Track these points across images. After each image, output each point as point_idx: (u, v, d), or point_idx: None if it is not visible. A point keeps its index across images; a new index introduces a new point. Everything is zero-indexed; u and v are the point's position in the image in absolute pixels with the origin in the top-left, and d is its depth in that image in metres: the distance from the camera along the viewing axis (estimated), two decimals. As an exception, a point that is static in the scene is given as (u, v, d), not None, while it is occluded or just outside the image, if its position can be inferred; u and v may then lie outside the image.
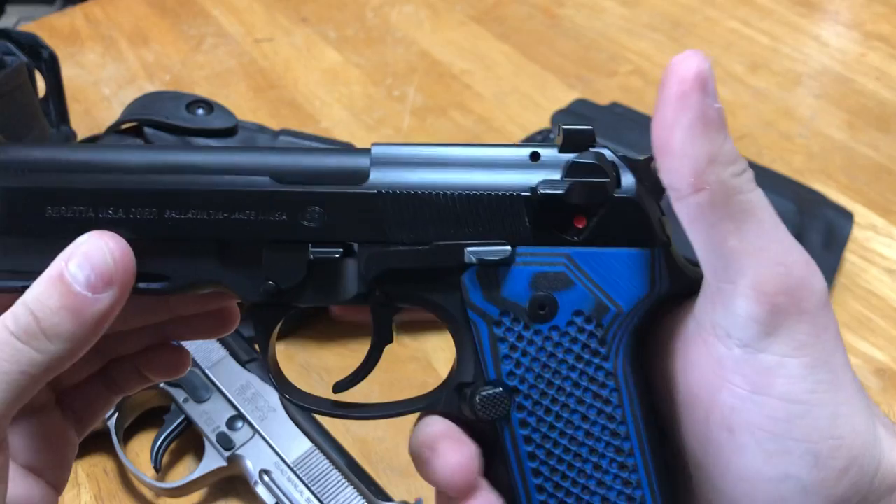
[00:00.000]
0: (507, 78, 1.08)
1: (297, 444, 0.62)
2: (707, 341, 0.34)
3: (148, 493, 0.66)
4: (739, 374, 0.33)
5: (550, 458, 0.37)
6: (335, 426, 0.68)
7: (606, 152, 0.37)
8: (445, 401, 0.39)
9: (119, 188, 0.37)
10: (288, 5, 1.24)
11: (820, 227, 0.80)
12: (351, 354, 0.74)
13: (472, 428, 0.39)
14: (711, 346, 0.34)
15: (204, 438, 0.64)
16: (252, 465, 0.62)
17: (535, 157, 0.37)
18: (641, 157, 0.38)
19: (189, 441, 0.67)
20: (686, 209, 0.33)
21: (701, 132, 0.32)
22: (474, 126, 0.98)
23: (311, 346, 0.75)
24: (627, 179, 0.37)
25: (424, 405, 0.40)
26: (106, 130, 0.82)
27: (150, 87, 1.08)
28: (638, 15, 1.18)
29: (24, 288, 0.35)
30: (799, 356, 0.32)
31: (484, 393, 0.37)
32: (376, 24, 1.19)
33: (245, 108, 1.04)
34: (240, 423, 0.64)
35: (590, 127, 0.38)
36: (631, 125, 0.89)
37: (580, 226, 0.37)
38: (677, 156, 0.32)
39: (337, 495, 0.60)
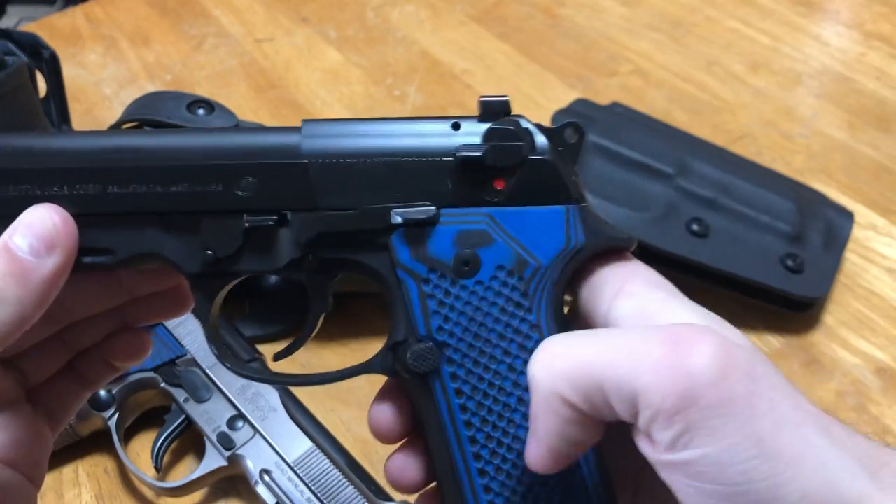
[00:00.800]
0: (507, 78, 1.08)
1: (297, 444, 0.62)
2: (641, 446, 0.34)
3: (149, 493, 0.66)
4: (668, 470, 0.32)
5: (481, 410, 0.39)
6: (336, 426, 0.68)
7: (521, 120, 0.40)
8: (380, 362, 0.41)
9: (63, 166, 0.39)
10: (288, 5, 1.24)
11: (820, 227, 0.80)
12: (351, 354, 0.75)
13: (407, 389, 0.41)
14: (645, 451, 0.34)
15: (204, 438, 0.64)
16: (253, 465, 0.62)
17: (456, 126, 0.40)
18: (556, 126, 0.40)
19: (190, 441, 0.67)
20: None
21: None
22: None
23: (311, 345, 0.75)
24: (541, 142, 0.40)
25: (362, 368, 0.41)
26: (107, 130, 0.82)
27: (151, 87, 1.08)
28: (638, 15, 1.18)
29: None
30: (715, 444, 0.31)
31: (414, 348, 0.39)
32: (377, 24, 1.19)
33: (246, 107, 1.04)
34: (240, 423, 0.64)
35: (506, 97, 0.41)
36: (631, 125, 0.89)
37: (499, 187, 0.39)
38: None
39: (337, 495, 0.60)
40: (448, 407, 0.39)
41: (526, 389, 0.38)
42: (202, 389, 0.66)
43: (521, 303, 0.39)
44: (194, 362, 0.67)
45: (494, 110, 0.40)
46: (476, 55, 1.12)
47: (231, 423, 0.64)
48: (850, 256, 0.82)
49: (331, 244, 0.40)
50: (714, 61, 1.09)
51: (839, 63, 1.08)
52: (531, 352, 0.37)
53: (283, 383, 0.44)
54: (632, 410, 0.32)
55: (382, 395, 0.42)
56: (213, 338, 0.42)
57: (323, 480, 0.60)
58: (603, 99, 0.97)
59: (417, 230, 0.39)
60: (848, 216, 0.83)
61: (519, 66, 1.10)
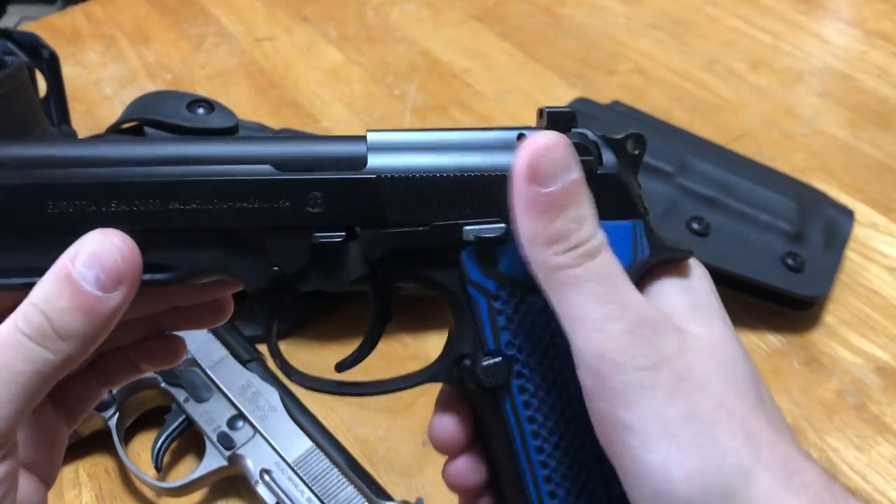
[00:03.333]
0: (507, 76, 1.08)
1: (297, 444, 0.62)
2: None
3: (149, 493, 0.66)
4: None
5: (548, 420, 0.39)
6: (336, 426, 0.68)
7: (588, 132, 0.40)
8: (446, 372, 0.40)
9: (121, 181, 0.37)
10: (289, 4, 1.24)
11: (821, 226, 0.80)
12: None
13: (468, 399, 0.41)
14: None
15: (205, 438, 0.64)
16: (253, 465, 0.62)
17: (521, 138, 0.39)
18: (618, 137, 0.40)
19: (190, 441, 0.67)
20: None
21: (525, 215, 0.35)
22: (475, 125, 0.98)
23: (313, 345, 0.75)
24: (609, 157, 0.39)
25: (426, 377, 0.41)
26: (107, 130, 0.82)
27: (151, 87, 1.08)
28: (639, 13, 1.18)
29: (26, 286, 0.35)
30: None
31: (486, 363, 0.39)
32: (377, 23, 1.19)
33: (246, 107, 1.04)
34: (240, 423, 0.64)
35: (571, 109, 0.40)
36: (632, 124, 0.89)
37: None
38: (517, 232, 0.36)
39: (338, 494, 0.60)
40: (516, 418, 0.39)
41: None
42: (202, 389, 0.66)
43: None
44: (194, 362, 0.67)
45: (560, 121, 0.39)
46: (476, 54, 1.12)
47: (231, 422, 0.64)
48: (851, 255, 0.82)
49: (400, 261, 0.39)
50: (715, 60, 1.09)
51: (840, 61, 1.08)
52: None
53: (351, 394, 0.44)
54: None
55: (443, 407, 0.42)
56: (280, 356, 0.42)
57: (323, 480, 0.60)
58: (603, 97, 0.97)
59: (488, 247, 0.39)
60: (848, 215, 0.83)
61: (519, 64, 1.10)
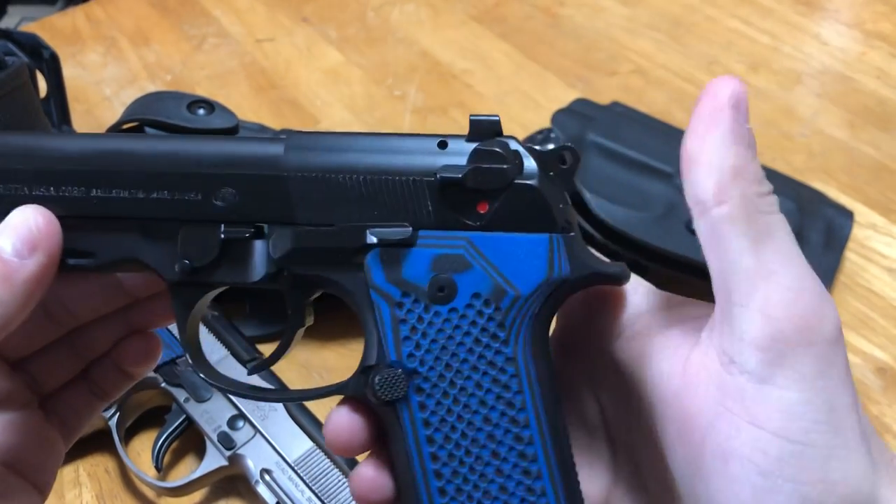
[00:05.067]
0: (507, 77, 1.08)
1: (298, 444, 0.62)
2: (709, 366, 0.34)
3: (149, 493, 0.66)
4: (739, 403, 0.32)
5: (448, 443, 0.37)
6: (336, 425, 0.68)
7: (511, 141, 0.38)
8: (353, 385, 0.40)
9: (50, 168, 0.39)
10: (289, 5, 1.24)
11: (820, 226, 0.80)
12: (351, 354, 0.75)
13: (377, 414, 0.40)
14: (714, 371, 0.34)
15: (205, 438, 0.64)
16: (253, 465, 0.62)
17: (443, 145, 0.38)
18: (549, 149, 0.38)
19: (190, 440, 0.67)
20: (706, 224, 0.33)
21: (730, 145, 0.32)
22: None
23: (311, 345, 0.75)
24: (530, 166, 0.38)
25: (335, 390, 0.41)
26: (107, 130, 0.82)
27: (152, 87, 1.08)
28: (638, 14, 1.18)
29: None
30: (799, 391, 0.31)
31: (383, 374, 0.38)
32: (377, 24, 1.19)
33: (246, 107, 1.04)
34: (241, 423, 0.64)
35: (496, 117, 0.39)
36: (631, 124, 0.89)
37: (482, 211, 0.38)
38: (704, 166, 0.33)
39: (338, 494, 0.60)
40: (415, 437, 0.38)
41: (496, 426, 0.37)
42: (203, 389, 0.66)
43: (496, 334, 0.37)
44: (195, 362, 0.67)
45: (483, 130, 0.38)
46: (476, 55, 1.12)
47: (232, 422, 0.64)
48: (850, 256, 0.82)
49: (304, 260, 0.39)
50: (714, 61, 1.09)
51: (839, 62, 1.08)
52: (504, 386, 0.37)
53: (261, 399, 0.44)
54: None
55: (344, 402, 0.41)
56: (187, 345, 0.42)
57: (323, 480, 0.60)
58: (603, 98, 0.97)
59: (393, 251, 0.38)
60: (848, 215, 0.83)
61: (519, 65, 1.10)
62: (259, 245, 0.39)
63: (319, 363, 0.74)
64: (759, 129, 0.97)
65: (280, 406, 0.64)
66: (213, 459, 0.63)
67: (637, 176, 0.79)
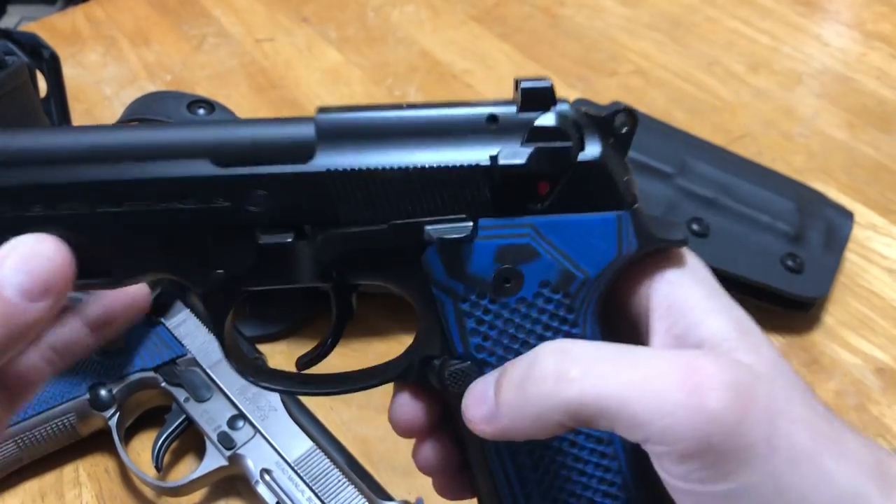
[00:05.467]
0: (508, 77, 1.07)
1: (298, 444, 0.62)
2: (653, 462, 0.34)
3: (149, 493, 0.66)
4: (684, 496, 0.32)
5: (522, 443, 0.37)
6: (336, 426, 0.68)
7: (568, 110, 0.36)
8: (412, 371, 0.38)
9: (43, 182, 0.33)
10: (289, 5, 1.24)
11: (820, 227, 0.80)
12: (353, 354, 0.75)
13: (439, 396, 0.39)
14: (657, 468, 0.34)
15: (205, 438, 0.64)
16: (253, 465, 0.62)
17: (492, 119, 0.35)
18: (605, 114, 0.36)
19: (190, 440, 0.67)
20: None
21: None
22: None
23: (312, 345, 0.75)
24: (592, 141, 0.35)
25: (395, 375, 0.39)
26: (107, 130, 0.82)
27: (152, 87, 1.08)
28: (639, 15, 1.18)
29: None
30: (727, 484, 0.31)
31: (453, 368, 0.36)
32: (377, 24, 1.19)
33: (246, 107, 1.04)
34: (241, 423, 0.64)
35: (548, 82, 0.36)
36: (631, 125, 0.89)
37: (543, 193, 0.35)
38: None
39: (338, 494, 0.60)
40: None
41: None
42: (203, 389, 0.66)
43: (566, 318, 0.36)
44: (195, 362, 0.67)
45: (537, 99, 0.35)
46: (476, 55, 1.12)
47: (232, 422, 0.64)
48: (850, 256, 0.82)
49: (356, 262, 0.36)
50: (714, 61, 1.09)
51: (839, 63, 1.08)
52: None
53: (316, 394, 0.41)
54: (640, 440, 0.32)
55: (403, 387, 0.40)
56: (235, 357, 0.39)
57: (323, 480, 0.60)
58: (603, 99, 0.97)
59: (453, 246, 0.35)
60: (848, 216, 0.83)
61: (519, 65, 1.10)
62: (301, 247, 0.35)
63: (320, 363, 0.74)
64: (759, 129, 0.98)
65: (280, 406, 0.64)
66: (213, 459, 0.63)
67: (637, 176, 0.79)
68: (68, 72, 0.95)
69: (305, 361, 0.41)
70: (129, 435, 0.69)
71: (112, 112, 1.03)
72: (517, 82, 0.36)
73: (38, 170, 0.33)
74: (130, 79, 1.11)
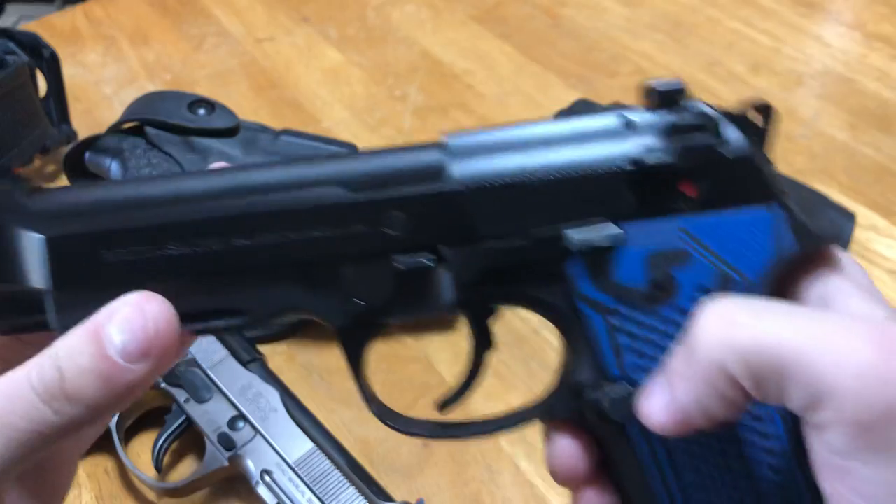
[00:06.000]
0: (508, 78, 1.08)
1: (298, 445, 0.62)
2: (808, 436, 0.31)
3: (149, 494, 0.66)
4: (835, 475, 0.29)
5: (689, 455, 0.34)
6: (337, 427, 0.68)
7: (703, 106, 0.34)
8: (562, 406, 0.36)
9: (178, 220, 0.33)
10: (289, 5, 1.24)
11: (821, 227, 0.79)
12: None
13: (587, 426, 0.36)
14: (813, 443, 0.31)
15: (205, 439, 0.64)
16: (253, 466, 0.62)
17: (627, 123, 0.34)
18: (739, 110, 0.34)
19: (190, 441, 0.67)
20: None
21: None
22: (476, 126, 0.98)
23: (312, 346, 0.75)
24: (734, 134, 0.34)
25: (540, 413, 0.36)
26: (107, 130, 0.82)
27: (151, 87, 1.08)
28: (640, 15, 1.18)
29: None
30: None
31: (613, 395, 0.33)
32: (378, 24, 1.19)
33: (246, 107, 1.04)
34: (241, 424, 0.64)
35: (679, 82, 0.34)
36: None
37: (689, 192, 0.33)
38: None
39: (338, 495, 0.60)
40: (653, 454, 0.34)
41: (739, 426, 0.33)
42: (203, 390, 0.65)
43: None
44: (195, 362, 0.66)
45: (671, 99, 0.34)
46: (477, 55, 1.12)
47: (232, 423, 0.64)
48: (852, 257, 0.82)
49: (497, 280, 0.34)
50: (715, 62, 1.09)
51: (841, 64, 1.08)
52: None
53: (454, 438, 0.38)
54: (809, 405, 0.28)
55: (557, 431, 0.37)
56: (373, 399, 0.37)
57: (324, 481, 0.60)
58: (604, 99, 0.97)
59: (599, 255, 0.33)
60: (849, 217, 0.83)
61: (520, 66, 1.10)
62: (440, 271, 0.34)
63: (320, 364, 0.74)
64: (760, 130, 0.97)
65: (280, 407, 0.64)
66: (213, 460, 0.63)
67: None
68: (68, 71, 0.95)
69: (445, 403, 0.38)
70: (128, 435, 0.69)
71: (112, 111, 1.03)
72: (649, 86, 0.35)
73: (173, 208, 0.33)
74: (130, 78, 1.11)
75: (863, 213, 0.86)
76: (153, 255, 0.33)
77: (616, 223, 0.33)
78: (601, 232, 0.33)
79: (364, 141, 0.97)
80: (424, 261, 0.34)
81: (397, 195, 0.33)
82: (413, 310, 0.35)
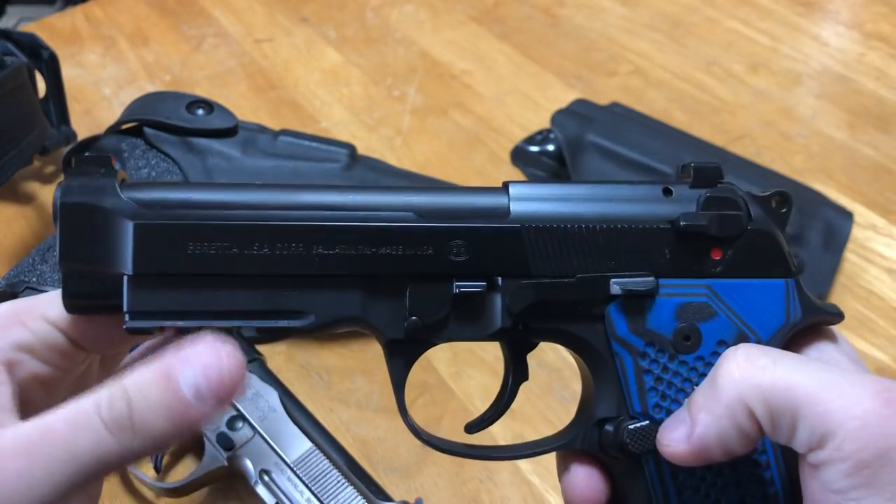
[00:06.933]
0: (507, 78, 1.08)
1: (297, 444, 0.62)
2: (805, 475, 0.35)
3: (148, 493, 0.66)
4: None
5: (697, 492, 0.38)
6: (335, 427, 0.68)
7: (734, 186, 0.39)
8: (584, 437, 0.39)
9: (266, 224, 0.36)
10: (288, 5, 1.24)
11: (820, 227, 0.80)
12: (351, 355, 0.75)
13: (604, 462, 0.40)
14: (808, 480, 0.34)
15: (204, 438, 0.64)
16: (252, 465, 0.62)
17: (667, 192, 0.39)
18: (764, 194, 0.39)
19: (189, 441, 0.67)
20: None
21: None
22: (474, 126, 0.98)
23: (311, 346, 0.75)
24: (757, 212, 0.39)
25: (562, 443, 0.40)
26: (106, 131, 0.82)
27: (151, 88, 1.08)
28: (638, 15, 1.18)
29: (167, 329, 0.36)
30: None
31: (632, 426, 0.37)
32: (376, 25, 1.19)
33: (245, 108, 1.04)
34: (240, 424, 0.64)
35: (718, 164, 0.39)
36: (631, 125, 0.89)
37: (717, 257, 0.38)
38: None
39: (337, 495, 0.60)
40: (663, 489, 0.38)
41: (740, 470, 0.37)
42: (202, 390, 0.65)
43: None
44: (194, 362, 0.67)
45: (707, 176, 0.39)
46: (476, 55, 1.12)
47: (231, 423, 0.64)
48: (850, 256, 0.82)
49: (542, 314, 0.38)
50: (713, 61, 1.09)
51: (839, 63, 1.08)
52: None
53: (480, 458, 0.42)
54: (813, 444, 0.32)
55: (573, 460, 0.40)
56: (404, 408, 0.40)
57: (322, 480, 0.60)
58: (602, 99, 0.97)
59: (636, 301, 0.38)
60: (847, 216, 0.83)
61: (518, 66, 1.10)
62: (492, 298, 0.38)
63: (319, 364, 0.74)
64: (758, 129, 0.98)
65: (279, 407, 0.64)
66: (212, 460, 0.63)
67: (636, 176, 0.79)
68: (67, 72, 0.95)
69: (474, 425, 0.42)
70: (128, 435, 0.69)
71: (111, 112, 1.03)
72: (688, 164, 0.39)
73: (263, 212, 0.37)
74: (130, 79, 1.11)
75: (861, 212, 0.86)
76: (237, 252, 0.36)
77: (654, 275, 0.38)
78: (640, 279, 0.38)
79: (363, 141, 0.97)
80: (478, 287, 0.37)
81: (463, 227, 0.37)
82: (462, 332, 0.38)
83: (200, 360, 0.33)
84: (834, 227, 0.81)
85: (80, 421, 0.32)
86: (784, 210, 0.39)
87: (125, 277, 0.36)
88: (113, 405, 0.32)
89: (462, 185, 0.85)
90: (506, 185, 0.39)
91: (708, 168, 0.39)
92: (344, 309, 0.37)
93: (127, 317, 0.36)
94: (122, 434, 0.32)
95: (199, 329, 0.36)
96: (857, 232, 0.84)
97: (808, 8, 1.18)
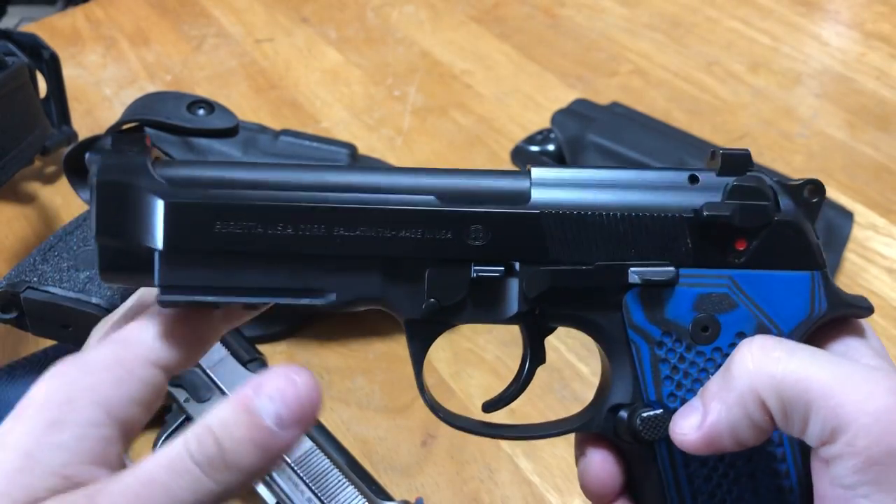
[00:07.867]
0: (507, 78, 1.08)
1: (297, 444, 0.62)
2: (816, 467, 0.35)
3: (149, 493, 0.66)
4: None
5: (709, 482, 0.38)
6: (336, 426, 0.68)
7: (765, 176, 0.38)
8: (598, 421, 0.39)
9: (289, 205, 0.37)
10: (288, 5, 1.24)
11: (820, 227, 0.79)
12: (351, 354, 0.75)
13: (620, 448, 0.40)
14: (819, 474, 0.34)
15: (205, 438, 0.64)
16: (253, 465, 0.62)
17: (693, 179, 0.38)
18: (795, 182, 0.38)
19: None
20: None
21: None
22: (475, 126, 0.99)
23: (311, 345, 0.75)
24: (786, 202, 0.38)
25: (578, 426, 0.40)
26: (107, 131, 0.82)
27: (151, 88, 1.08)
28: (638, 15, 1.18)
29: (195, 303, 0.36)
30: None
31: (645, 414, 0.37)
32: (377, 25, 1.19)
33: (246, 108, 1.04)
34: (241, 423, 0.64)
35: (746, 150, 0.39)
36: (631, 125, 0.89)
37: (741, 248, 0.37)
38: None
39: (337, 494, 0.60)
40: (674, 476, 0.38)
41: (755, 461, 0.37)
42: (203, 389, 0.66)
43: None
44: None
45: (735, 164, 0.38)
46: (476, 55, 1.12)
47: (231, 422, 0.64)
48: (850, 256, 0.82)
49: (559, 300, 0.38)
50: (714, 61, 1.09)
51: (839, 63, 1.08)
52: None
53: (496, 437, 0.42)
54: (824, 438, 0.32)
55: (590, 446, 0.40)
56: (426, 389, 0.41)
57: (323, 480, 0.60)
58: (603, 99, 0.97)
59: (655, 291, 0.37)
60: (848, 216, 0.83)
61: (519, 66, 1.10)
62: (510, 283, 0.38)
63: (319, 363, 0.74)
64: (758, 129, 0.98)
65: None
66: (213, 459, 0.63)
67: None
68: (68, 72, 0.95)
69: (491, 405, 0.42)
70: (128, 435, 0.69)
71: (112, 112, 1.03)
72: (716, 150, 0.38)
73: (288, 193, 0.37)
74: (130, 79, 1.11)
75: (861, 212, 0.86)
76: (261, 231, 0.37)
77: (674, 265, 0.37)
78: (659, 269, 0.37)
79: (363, 141, 0.97)
80: (496, 272, 0.37)
81: (483, 212, 0.37)
82: (480, 315, 0.39)
83: (277, 389, 0.34)
84: (834, 226, 0.81)
85: (177, 466, 0.33)
86: (816, 200, 0.38)
87: (156, 253, 0.36)
88: (203, 447, 0.33)
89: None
90: (528, 170, 0.39)
91: (737, 155, 0.38)
92: (364, 289, 0.38)
93: (159, 290, 0.37)
94: (217, 474, 0.33)
95: (228, 304, 0.38)
96: (857, 232, 0.84)
97: (809, 8, 1.18)
